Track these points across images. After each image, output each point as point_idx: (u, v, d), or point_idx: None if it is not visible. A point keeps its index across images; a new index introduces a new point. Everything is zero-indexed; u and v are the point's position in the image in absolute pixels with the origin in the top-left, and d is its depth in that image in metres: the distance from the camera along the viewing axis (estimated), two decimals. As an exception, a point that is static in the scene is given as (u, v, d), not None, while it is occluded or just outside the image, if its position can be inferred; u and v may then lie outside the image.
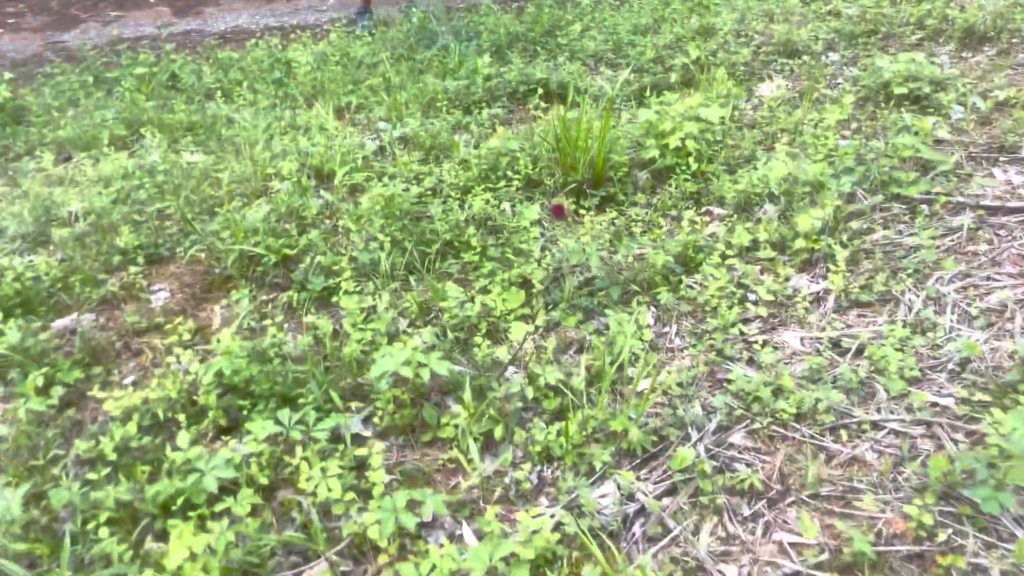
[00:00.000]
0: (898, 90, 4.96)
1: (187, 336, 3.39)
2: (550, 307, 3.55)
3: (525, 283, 3.68)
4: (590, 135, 4.43)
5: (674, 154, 4.54)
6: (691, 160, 4.49)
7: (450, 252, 4.02)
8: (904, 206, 4.04)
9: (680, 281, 3.67)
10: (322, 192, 4.64)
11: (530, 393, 2.94)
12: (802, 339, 3.28)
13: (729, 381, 3.05)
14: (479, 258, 3.88)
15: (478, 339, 3.25)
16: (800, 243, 3.73)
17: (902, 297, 3.42)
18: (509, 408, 2.94)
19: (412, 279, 3.77)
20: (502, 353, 3.20)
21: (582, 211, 4.32)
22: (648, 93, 5.65)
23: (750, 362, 3.17)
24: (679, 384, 3.03)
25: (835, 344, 3.24)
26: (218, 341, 3.07)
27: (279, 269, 3.91)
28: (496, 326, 3.43)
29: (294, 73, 6.46)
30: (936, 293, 3.41)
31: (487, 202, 4.25)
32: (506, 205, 4.29)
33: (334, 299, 3.66)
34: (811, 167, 4.15)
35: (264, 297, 3.77)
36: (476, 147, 4.94)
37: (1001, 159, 4.35)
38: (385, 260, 3.76)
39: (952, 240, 3.77)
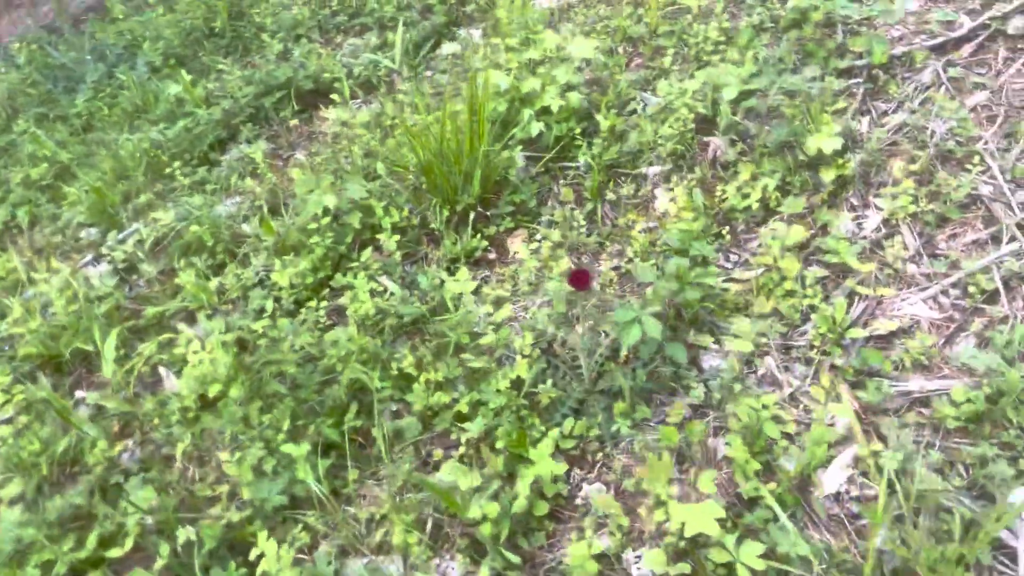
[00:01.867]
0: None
1: None
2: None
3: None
4: (455, 133, 3.05)
5: (562, 119, 3.33)
6: (576, 126, 3.32)
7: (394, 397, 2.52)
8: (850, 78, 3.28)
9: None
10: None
11: None
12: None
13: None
14: (438, 393, 2.46)
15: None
16: (828, 173, 2.81)
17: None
18: None
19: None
20: None
21: (517, 247, 3.01)
22: (434, 49, 4.27)
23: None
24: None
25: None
26: None
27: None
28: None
29: None
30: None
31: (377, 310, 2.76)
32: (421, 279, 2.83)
33: None
34: (737, 71, 3.20)
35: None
36: (268, 216, 3.29)
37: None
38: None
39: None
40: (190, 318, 3.07)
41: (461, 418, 2.46)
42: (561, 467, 2.22)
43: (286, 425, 2.43)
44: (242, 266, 3.17)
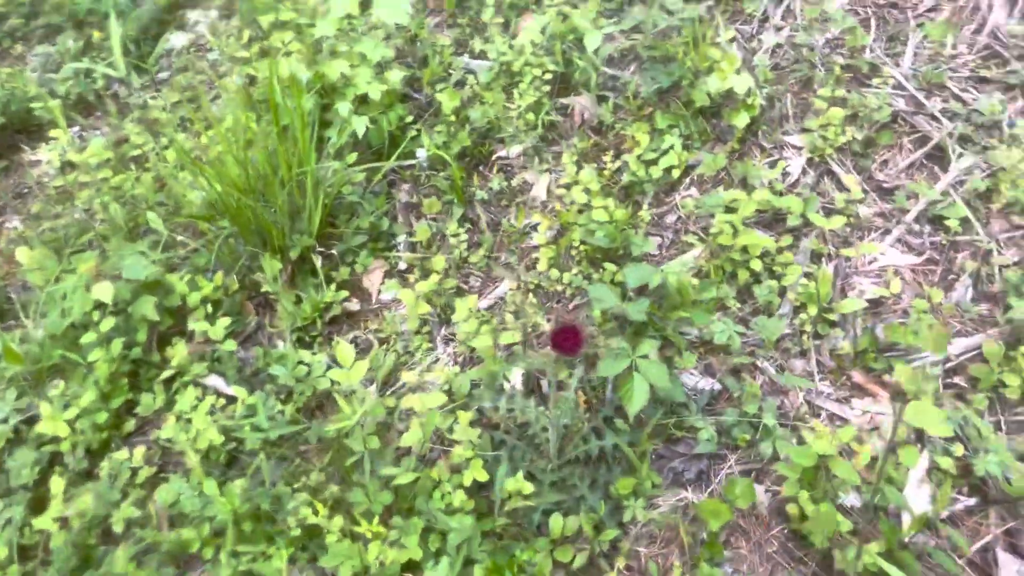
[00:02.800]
0: None
1: None
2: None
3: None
4: (264, 152, 2.19)
5: (386, 107, 2.56)
6: (405, 112, 2.59)
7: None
8: None
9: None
10: None
11: None
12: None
13: None
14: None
15: None
16: (738, 117, 2.34)
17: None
18: None
19: None
20: None
21: (381, 284, 2.24)
22: (155, 42, 3.23)
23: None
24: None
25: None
26: None
27: None
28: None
29: None
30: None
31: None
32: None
33: None
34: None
35: None
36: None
37: None
38: None
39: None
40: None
41: (411, 566, 1.71)
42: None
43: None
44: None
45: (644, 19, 2.58)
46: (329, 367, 2.07)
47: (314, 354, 2.11)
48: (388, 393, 2.09)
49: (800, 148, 2.39)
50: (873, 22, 2.65)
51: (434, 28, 3.04)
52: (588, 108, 2.63)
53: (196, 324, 2.14)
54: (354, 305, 2.32)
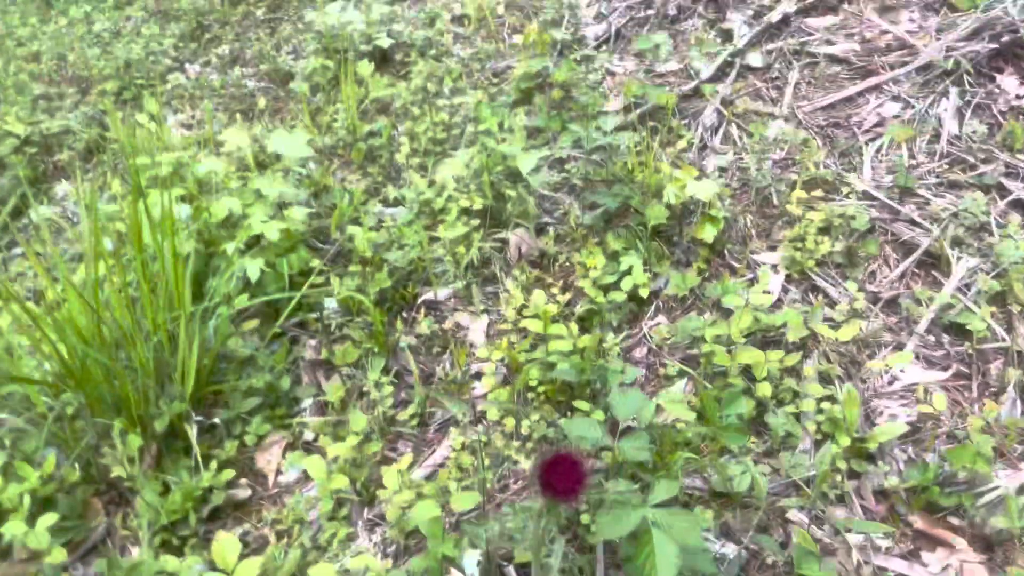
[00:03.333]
0: None
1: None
2: None
3: None
4: (124, 303, 1.69)
5: (286, 250, 2.14)
6: (309, 256, 2.19)
7: None
8: None
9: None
10: None
11: None
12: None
13: None
14: None
15: None
16: (704, 230, 2.01)
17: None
18: None
19: None
20: None
21: (280, 462, 1.68)
22: (17, 216, 2.78)
23: None
24: None
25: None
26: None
27: None
28: None
29: None
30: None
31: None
32: None
33: None
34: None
35: None
36: None
37: None
38: None
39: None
40: None
41: None
42: None
43: None
44: None
45: (582, 134, 2.32)
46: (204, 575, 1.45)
47: (182, 561, 1.50)
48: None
49: (775, 265, 2.08)
50: (819, 141, 2.48)
51: (342, 182, 2.71)
52: (526, 241, 2.27)
53: (11, 528, 1.51)
54: (243, 491, 1.73)
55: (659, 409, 1.60)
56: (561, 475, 0.96)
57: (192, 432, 1.68)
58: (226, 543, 1.30)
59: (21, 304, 1.65)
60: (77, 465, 1.69)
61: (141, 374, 1.69)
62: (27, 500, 1.56)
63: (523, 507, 1.14)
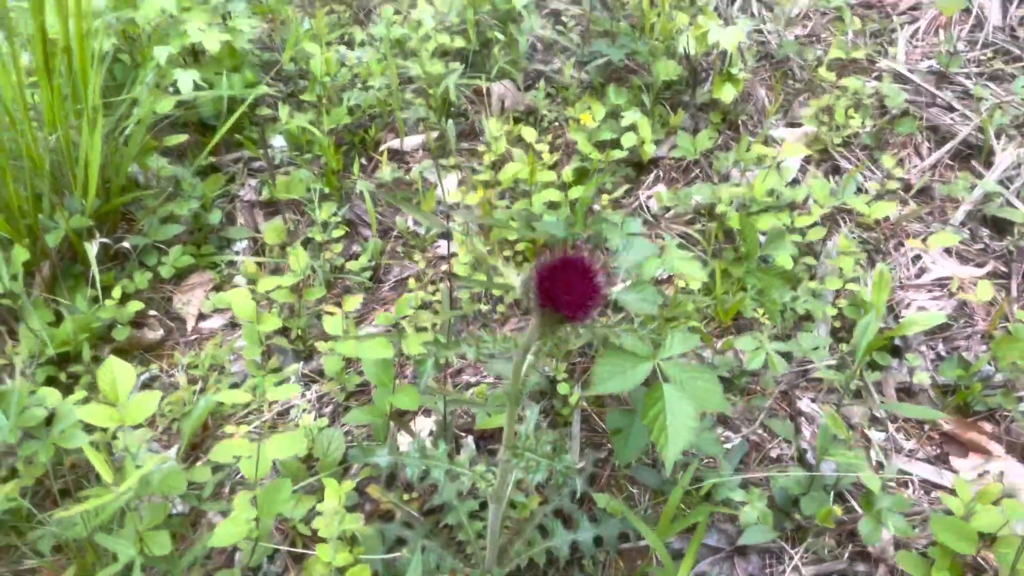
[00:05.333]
0: None
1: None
2: None
3: None
4: (16, 89, 1.35)
5: (229, 66, 1.80)
6: (254, 75, 1.85)
7: None
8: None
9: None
10: None
11: None
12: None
13: None
14: None
15: None
16: (724, 91, 1.74)
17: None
18: None
19: None
20: None
21: (203, 304, 1.39)
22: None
23: None
24: None
25: None
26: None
27: None
28: None
29: None
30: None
31: None
32: None
33: None
34: None
35: None
36: None
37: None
38: None
39: None
40: None
41: None
42: None
43: None
44: None
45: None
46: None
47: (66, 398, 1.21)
48: (201, 463, 1.21)
49: (798, 136, 1.82)
50: (849, 18, 2.20)
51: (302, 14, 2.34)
52: (512, 93, 1.97)
53: None
54: (154, 331, 1.45)
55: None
56: (567, 284, 0.70)
57: (92, 251, 1.37)
58: (117, 368, 1.02)
59: None
60: (-54, 280, 1.37)
61: (30, 172, 1.37)
62: None
63: (505, 336, 0.88)
